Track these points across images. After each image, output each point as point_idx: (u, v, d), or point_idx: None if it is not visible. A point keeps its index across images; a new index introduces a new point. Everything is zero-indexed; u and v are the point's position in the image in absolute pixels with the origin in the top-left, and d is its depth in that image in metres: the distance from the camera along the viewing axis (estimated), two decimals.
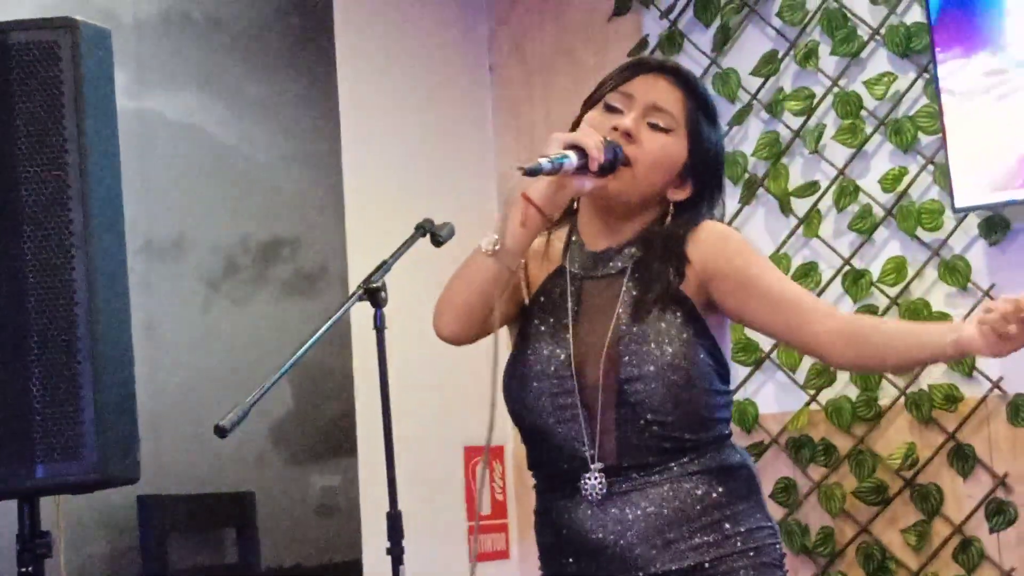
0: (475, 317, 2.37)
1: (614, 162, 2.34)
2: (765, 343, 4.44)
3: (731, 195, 4.53)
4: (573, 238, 2.46)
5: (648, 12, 4.75)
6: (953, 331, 2.25)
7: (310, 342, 2.83)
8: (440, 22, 4.94)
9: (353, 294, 2.94)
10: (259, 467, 4.14)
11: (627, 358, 2.34)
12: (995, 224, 4.12)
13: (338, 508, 4.33)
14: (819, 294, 4.36)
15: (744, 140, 4.55)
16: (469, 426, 4.78)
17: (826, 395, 4.35)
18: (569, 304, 2.40)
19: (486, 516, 4.79)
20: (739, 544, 2.37)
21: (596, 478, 2.34)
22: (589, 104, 2.48)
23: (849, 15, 4.37)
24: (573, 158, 2.29)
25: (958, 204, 4.02)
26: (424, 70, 4.87)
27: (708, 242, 2.41)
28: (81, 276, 2.65)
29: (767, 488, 4.39)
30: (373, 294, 2.95)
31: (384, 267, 2.97)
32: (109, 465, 2.65)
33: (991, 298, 4.12)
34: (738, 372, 4.47)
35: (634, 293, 2.39)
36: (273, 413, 4.17)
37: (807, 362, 4.37)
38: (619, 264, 2.42)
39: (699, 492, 2.36)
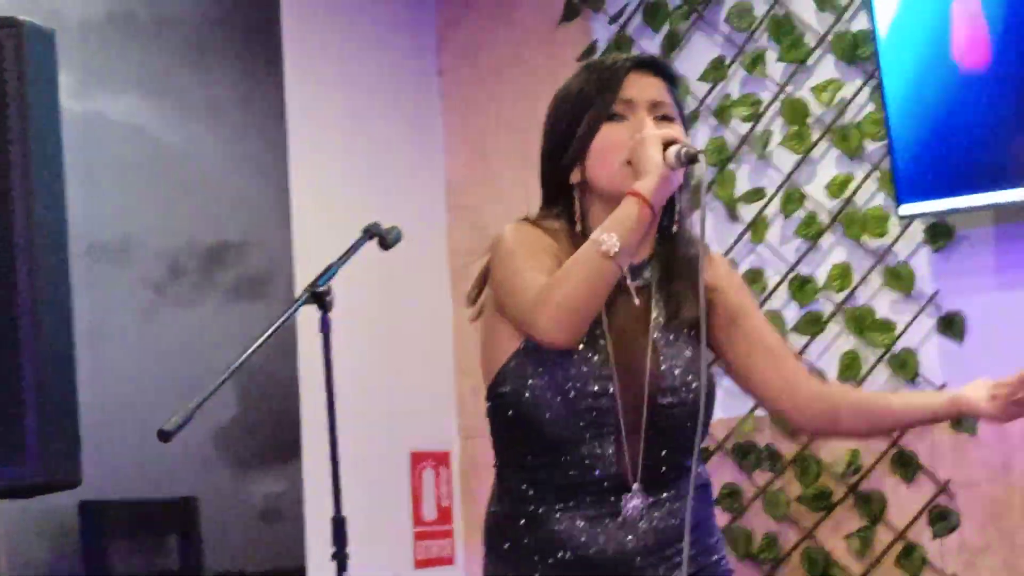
0: (589, 322, 2.27)
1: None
2: None
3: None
4: None
5: (597, 17, 4.75)
6: (943, 394, 2.43)
7: (255, 346, 2.82)
8: (389, 25, 4.93)
9: (299, 298, 2.93)
10: (203, 472, 4.11)
11: (669, 383, 2.34)
12: (939, 231, 4.15)
13: (282, 514, 4.31)
14: (765, 300, 4.38)
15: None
16: (415, 431, 4.77)
17: None
18: (604, 316, 2.35)
19: (431, 521, 4.78)
20: (716, 555, 2.44)
21: (638, 498, 2.33)
22: (575, 116, 2.40)
23: (796, 22, 4.39)
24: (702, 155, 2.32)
25: (903, 211, 4.05)
26: (372, 73, 4.85)
27: (719, 270, 2.50)
28: (24, 279, 2.61)
29: (713, 493, 4.40)
30: (319, 298, 2.93)
31: (330, 271, 2.96)
32: (51, 469, 2.62)
33: (935, 304, 4.15)
34: None
35: (663, 314, 2.39)
36: (217, 418, 4.14)
37: None
38: (643, 279, 2.41)
39: (693, 509, 2.38)
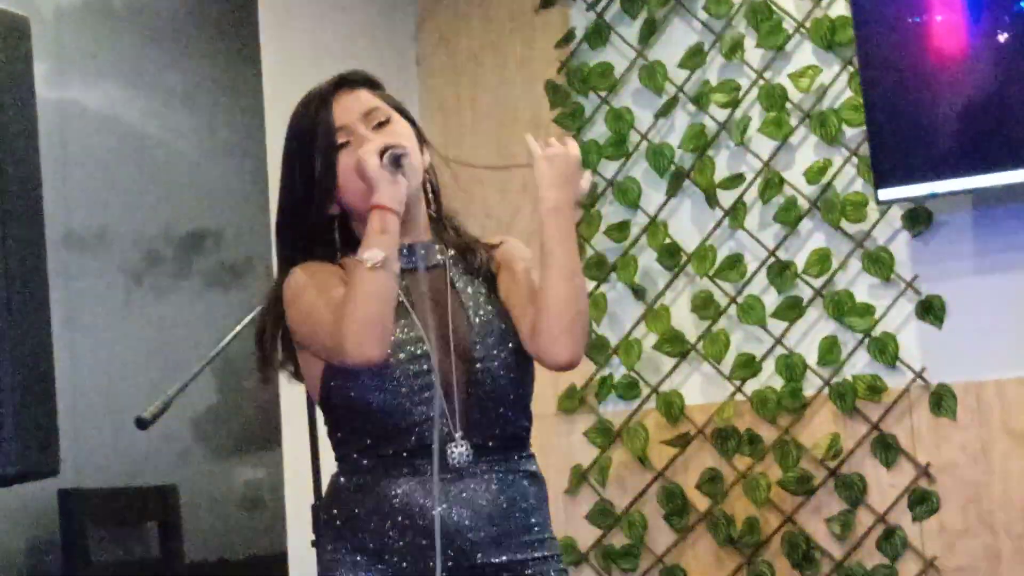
0: (389, 332, 2.37)
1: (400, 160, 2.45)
2: (691, 334, 4.46)
3: (657, 187, 4.54)
4: None
5: (575, 4, 4.75)
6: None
7: (232, 334, 2.82)
8: (366, 13, 4.91)
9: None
10: (182, 460, 4.10)
11: (476, 341, 2.44)
12: (918, 216, 4.16)
13: (262, 501, 4.30)
14: (745, 286, 4.39)
15: (670, 132, 4.57)
16: None
17: (751, 386, 4.37)
18: (404, 296, 2.46)
19: None
20: (550, 549, 2.46)
21: (462, 445, 2.40)
22: (306, 158, 2.51)
23: (774, 8, 4.39)
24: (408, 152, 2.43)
25: (882, 196, 4.05)
26: (349, 61, 4.78)
27: (505, 248, 2.57)
28: None
29: (693, 479, 4.41)
30: None
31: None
32: (28, 458, 2.61)
33: (914, 289, 4.16)
34: (664, 363, 4.48)
35: (461, 283, 2.50)
36: (196, 406, 4.13)
37: (732, 353, 4.39)
38: (436, 257, 2.52)
39: (529, 490, 2.45)
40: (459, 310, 2.47)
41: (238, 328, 2.84)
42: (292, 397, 4.21)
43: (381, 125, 2.51)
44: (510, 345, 2.46)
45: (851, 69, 4.25)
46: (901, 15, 4.03)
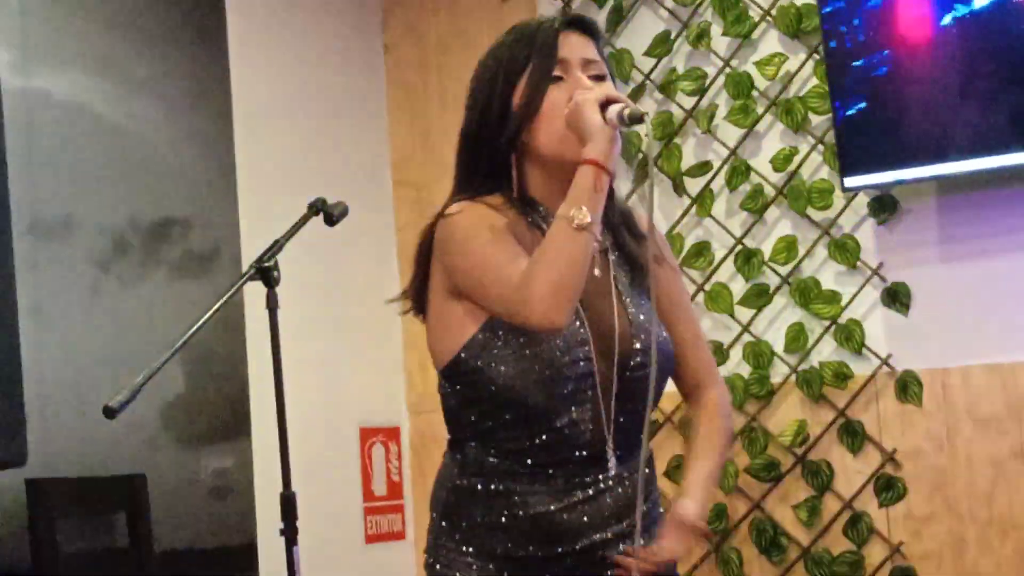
0: (578, 298, 2.22)
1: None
2: None
3: (624, 175, 4.55)
4: (541, 211, 2.35)
5: None
6: (680, 500, 2.42)
7: (200, 322, 2.80)
8: (333, 1, 4.90)
9: (245, 273, 2.92)
10: (151, 449, 4.09)
11: (638, 346, 2.32)
12: (883, 203, 4.18)
13: (231, 490, 4.29)
14: (712, 274, 4.40)
15: None
16: (364, 406, 4.77)
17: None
18: None
19: (381, 497, 4.78)
20: (659, 509, 2.45)
21: (614, 458, 2.31)
22: (510, 81, 2.36)
23: None
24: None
25: (847, 184, 4.07)
26: (317, 49, 4.83)
27: (662, 243, 2.51)
28: None
29: (662, 466, 4.43)
30: (265, 273, 2.92)
31: (276, 246, 2.95)
32: None
33: (880, 276, 4.18)
34: None
35: (627, 276, 2.40)
36: (164, 395, 4.12)
37: None
38: (600, 244, 2.38)
39: (650, 477, 2.43)
40: (621, 308, 2.33)
41: (206, 316, 2.83)
42: (261, 385, 4.21)
43: (597, 79, 2.35)
44: (668, 353, 2.35)
45: (817, 57, 4.27)
46: (866, 3, 4.04)
